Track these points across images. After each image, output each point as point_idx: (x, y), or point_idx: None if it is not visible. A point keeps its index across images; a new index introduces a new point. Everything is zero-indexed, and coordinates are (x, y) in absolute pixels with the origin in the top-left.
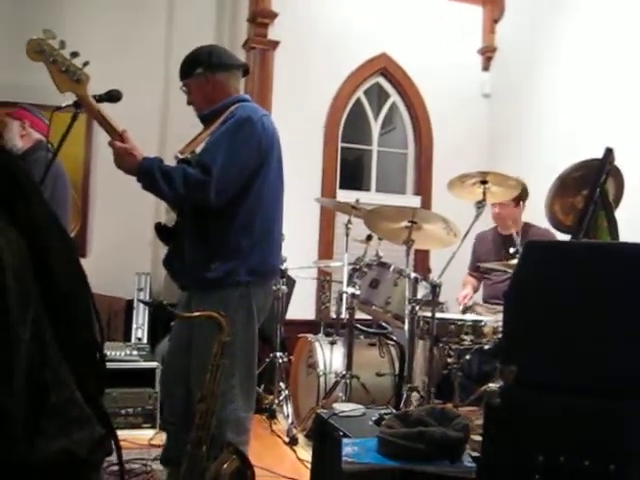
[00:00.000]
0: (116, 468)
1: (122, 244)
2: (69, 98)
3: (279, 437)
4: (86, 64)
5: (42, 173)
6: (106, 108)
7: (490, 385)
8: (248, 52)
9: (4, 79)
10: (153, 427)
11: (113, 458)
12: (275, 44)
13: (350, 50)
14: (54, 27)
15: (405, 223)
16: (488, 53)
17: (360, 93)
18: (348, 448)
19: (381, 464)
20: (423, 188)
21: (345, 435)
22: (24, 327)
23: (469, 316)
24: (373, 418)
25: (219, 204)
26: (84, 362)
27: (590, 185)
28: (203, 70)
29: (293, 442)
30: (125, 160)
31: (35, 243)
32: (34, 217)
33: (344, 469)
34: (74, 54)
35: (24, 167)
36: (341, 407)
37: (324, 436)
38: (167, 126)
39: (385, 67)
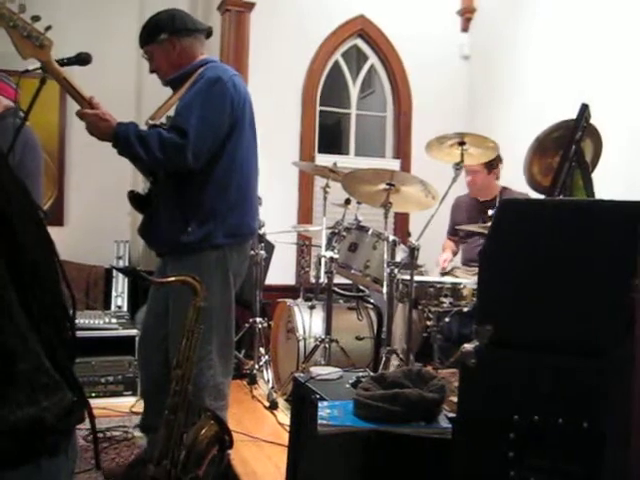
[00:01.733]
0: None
1: (100, 212)
2: (36, 62)
3: (260, 402)
4: (48, 28)
5: (11, 139)
6: (78, 71)
7: (465, 345)
8: (223, 14)
9: None
10: (134, 395)
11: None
12: (251, 6)
13: (327, 12)
14: None
15: (383, 186)
16: (467, 14)
17: (338, 56)
18: (324, 411)
19: (357, 426)
20: (402, 151)
21: (322, 398)
22: None
23: (448, 279)
24: (350, 381)
25: (196, 167)
26: (53, 330)
27: (566, 143)
28: (168, 35)
29: (273, 406)
30: (99, 126)
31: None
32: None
33: (319, 432)
34: (35, 18)
35: None
36: (318, 370)
37: (301, 399)
38: (142, 91)
39: (363, 29)
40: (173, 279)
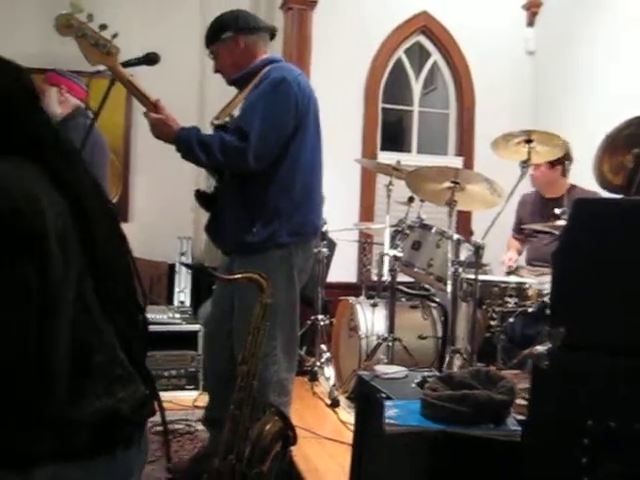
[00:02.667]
0: (161, 428)
1: (164, 209)
2: None
3: (320, 399)
4: (115, 36)
5: (82, 139)
6: (144, 72)
7: (537, 347)
8: (286, 13)
9: (42, 47)
10: (196, 389)
11: (157, 419)
12: (313, 4)
13: (390, 8)
14: None
15: (447, 184)
16: (533, 8)
17: (401, 53)
18: (390, 410)
19: (424, 426)
20: (465, 149)
21: (387, 397)
22: (67, 288)
23: (513, 278)
24: (416, 380)
25: (259, 169)
26: (127, 324)
27: None
28: (232, 34)
29: (335, 404)
30: (162, 130)
31: (76, 206)
32: (76, 180)
33: (386, 431)
34: (103, 26)
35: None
36: (383, 369)
37: (366, 398)
38: (205, 91)
39: (426, 25)
40: (240, 276)
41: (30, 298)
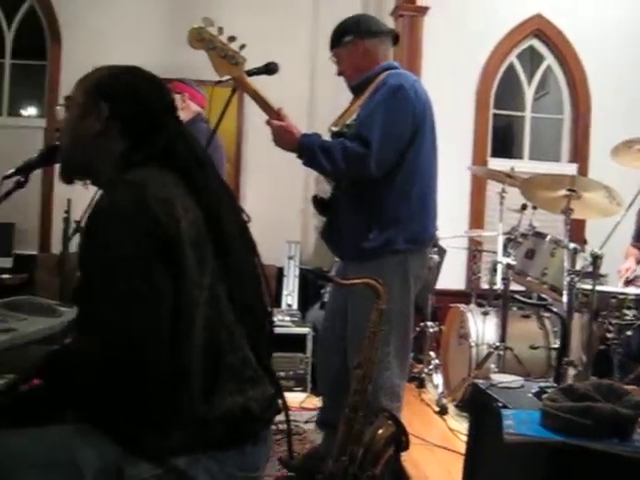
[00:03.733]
0: (273, 427)
1: (273, 213)
2: None
3: (428, 406)
4: (243, 47)
5: (204, 144)
6: (258, 84)
7: None
8: (397, 20)
9: (168, 58)
10: (304, 390)
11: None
12: (424, 10)
13: (502, 12)
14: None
15: (564, 192)
16: None
17: (513, 57)
18: (507, 420)
19: (544, 437)
20: (580, 155)
21: (504, 406)
22: (201, 291)
23: (632, 289)
24: (533, 390)
25: (378, 176)
26: (256, 326)
27: None
28: (352, 38)
29: (443, 411)
30: (284, 138)
31: (210, 212)
32: (208, 187)
33: (505, 440)
34: (231, 38)
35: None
36: (498, 378)
37: (482, 406)
38: (316, 101)
39: (539, 29)
40: (358, 281)
41: (164, 305)
